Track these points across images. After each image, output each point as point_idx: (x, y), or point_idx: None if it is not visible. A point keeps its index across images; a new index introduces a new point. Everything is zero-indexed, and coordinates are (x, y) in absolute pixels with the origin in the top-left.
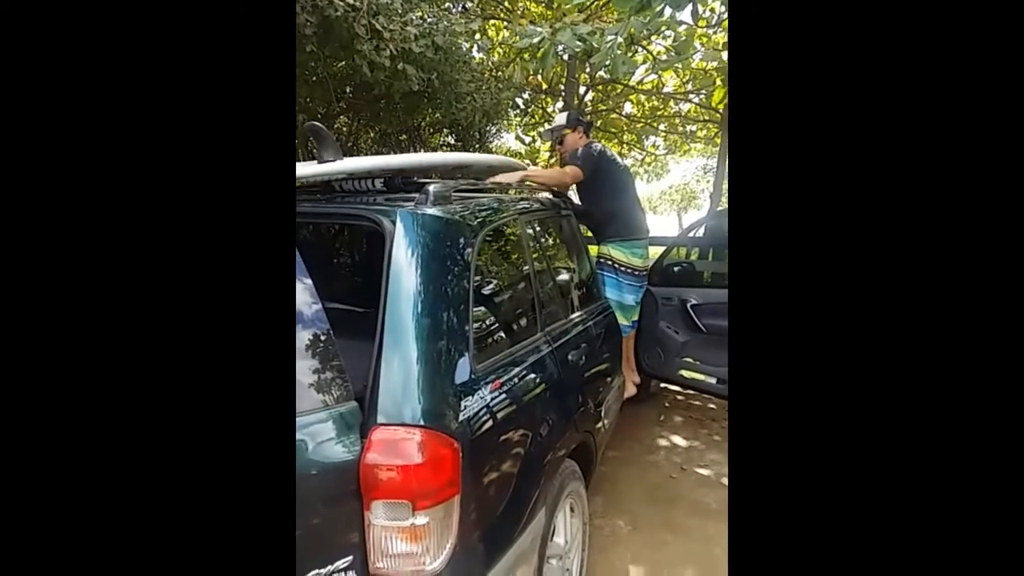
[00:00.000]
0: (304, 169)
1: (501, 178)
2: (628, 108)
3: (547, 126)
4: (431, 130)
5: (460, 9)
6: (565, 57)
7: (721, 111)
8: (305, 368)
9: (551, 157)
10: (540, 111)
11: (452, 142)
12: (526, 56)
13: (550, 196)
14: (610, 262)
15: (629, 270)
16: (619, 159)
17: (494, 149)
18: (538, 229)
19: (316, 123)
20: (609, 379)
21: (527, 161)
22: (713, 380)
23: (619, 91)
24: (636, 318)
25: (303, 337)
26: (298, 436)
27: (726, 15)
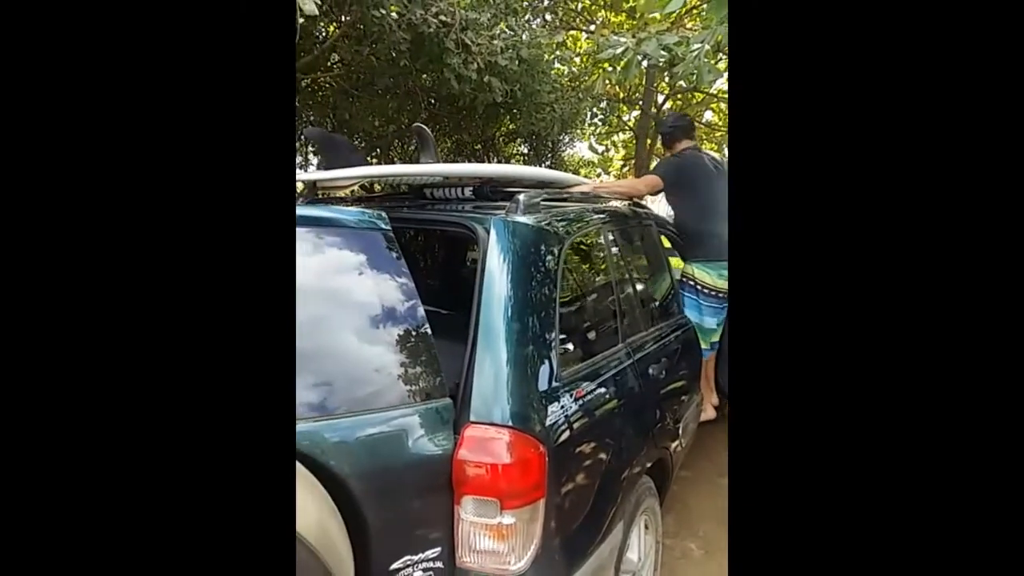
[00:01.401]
0: (390, 169)
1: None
2: (708, 116)
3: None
4: (505, 140)
5: (540, 21)
6: (645, 65)
7: None
8: (405, 363)
9: (624, 166)
10: (616, 119)
11: (525, 151)
12: (607, 67)
13: (632, 206)
14: (692, 282)
15: (713, 292)
16: (716, 172)
17: (566, 159)
18: (620, 239)
19: (421, 125)
20: (687, 396)
21: (599, 170)
22: None
23: (699, 99)
24: (716, 340)
25: (404, 333)
26: (397, 428)
27: None
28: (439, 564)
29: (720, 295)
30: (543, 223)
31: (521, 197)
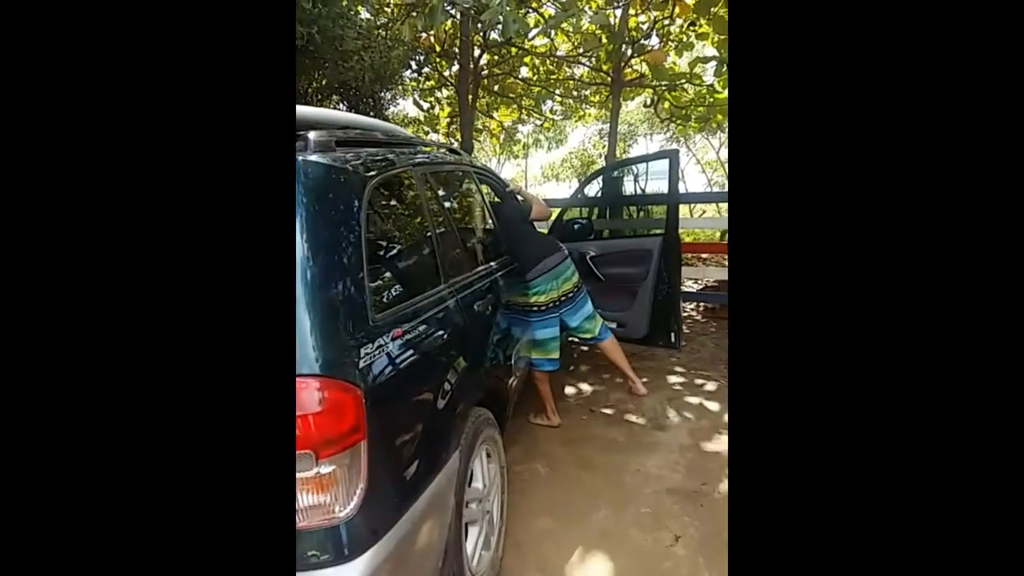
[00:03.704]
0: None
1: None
2: (525, 72)
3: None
4: (319, 96)
5: None
6: (456, 15)
7: (611, 74)
8: None
9: (450, 123)
10: (436, 75)
11: (344, 108)
12: (416, 13)
13: (451, 149)
14: (512, 302)
15: (529, 308)
16: (510, 209)
17: (391, 117)
18: (437, 182)
19: None
20: (515, 331)
21: (426, 129)
22: (613, 324)
23: (514, 53)
24: (557, 355)
25: None
26: None
27: None
28: None
29: (538, 308)
30: (341, 163)
31: (311, 135)
